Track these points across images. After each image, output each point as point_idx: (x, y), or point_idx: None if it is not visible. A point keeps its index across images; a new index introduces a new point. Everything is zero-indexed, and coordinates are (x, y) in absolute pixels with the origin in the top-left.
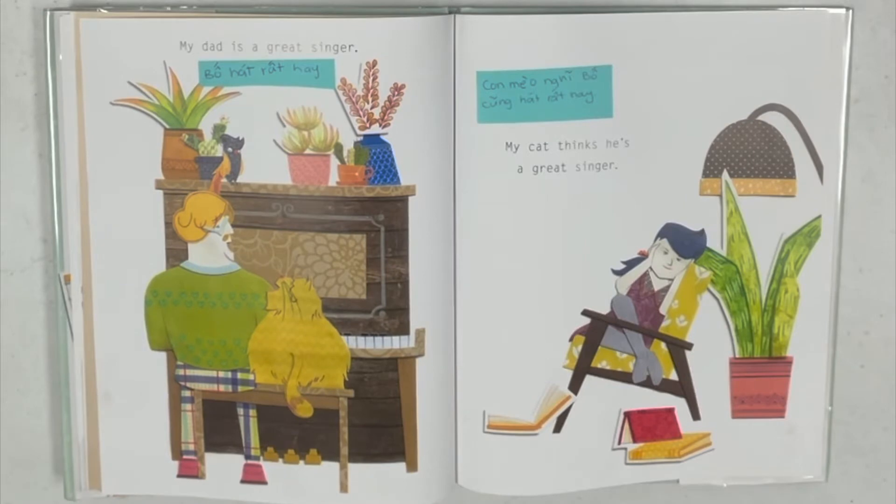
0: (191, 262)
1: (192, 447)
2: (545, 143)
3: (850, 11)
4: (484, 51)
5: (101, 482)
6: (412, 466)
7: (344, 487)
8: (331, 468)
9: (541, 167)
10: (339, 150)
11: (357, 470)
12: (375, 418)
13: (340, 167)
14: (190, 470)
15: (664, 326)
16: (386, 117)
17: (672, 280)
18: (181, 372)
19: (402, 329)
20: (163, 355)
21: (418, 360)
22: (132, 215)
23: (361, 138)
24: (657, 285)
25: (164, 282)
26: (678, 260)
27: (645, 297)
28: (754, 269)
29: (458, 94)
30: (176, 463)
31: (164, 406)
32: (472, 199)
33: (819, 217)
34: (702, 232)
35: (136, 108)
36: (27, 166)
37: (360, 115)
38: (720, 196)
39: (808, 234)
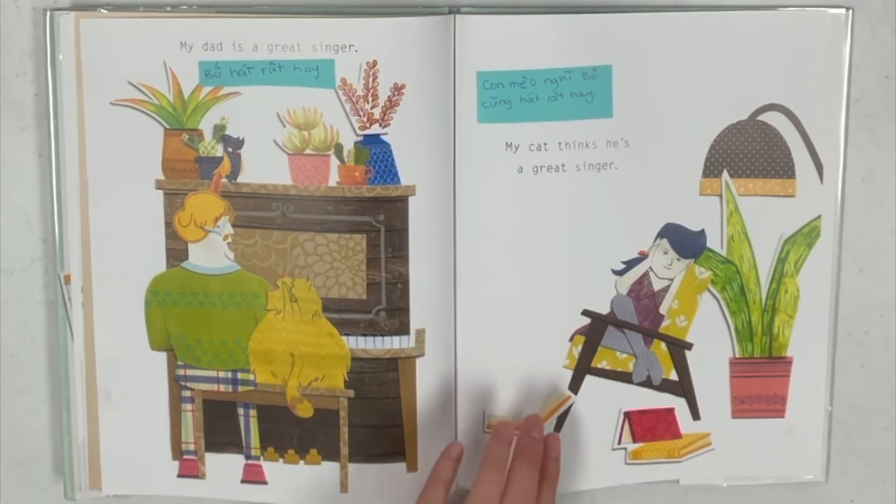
0: (191, 262)
1: (192, 447)
2: (545, 143)
3: (850, 11)
4: (484, 51)
5: (102, 482)
6: (412, 466)
7: (344, 487)
8: (331, 468)
9: (541, 167)
10: (339, 150)
11: (357, 470)
12: (375, 418)
13: (340, 167)
14: (190, 470)
15: (664, 326)
16: (386, 117)
17: (672, 280)
18: (181, 372)
19: (403, 329)
20: (163, 355)
21: (418, 361)
22: (132, 215)
23: (361, 138)
24: (657, 285)
25: (164, 282)
26: (678, 260)
27: (645, 297)
28: (754, 269)
29: (458, 94)
30: (176, 463)
31: (164, 406)
32: (472, 199)
33: (819, 217)
34: (702, 232)
35: (137, 108)
36: (27, 166)
37: (360, 115)
38: (720, 196)
39: (808, 234)
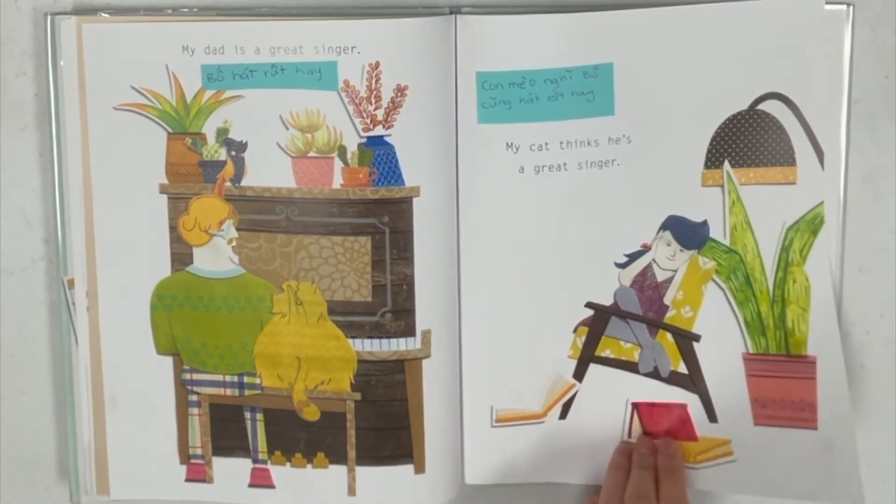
0: (196, 265)
1: (199, 451)
2: (546, 143)
3: (851, 7)
4: (484, 51)
5: (110, 487)
6: (420, 468)
7: (352, 490)
8: (338, 471)
9: (542, 167)
10: (342, 152)
11: (364, 473)
12: (382, 421)
13: (344, 169)
14: (198, 474)
15: (669, 317)
16: (389, 119)
17: (675, 271)
18: (188, 376)
19: (408, 331)
20: (169, 359)
21: (424, 362)
22: (136, 220)
23: (365, 140)
24: (660, 276)
25: (169, 286)
26: (681, 251)
27: (648, 287)
28: (758, 257)
29: (460, 94)
30: (184, 467)
31: (171, 410)
32: (475, 200)
33: (821, 203)
34: (704, 223)
35: (139, 113)
36: (27, 166)
37: (363, 117)
38: (722, 186)
39: (811, 221)
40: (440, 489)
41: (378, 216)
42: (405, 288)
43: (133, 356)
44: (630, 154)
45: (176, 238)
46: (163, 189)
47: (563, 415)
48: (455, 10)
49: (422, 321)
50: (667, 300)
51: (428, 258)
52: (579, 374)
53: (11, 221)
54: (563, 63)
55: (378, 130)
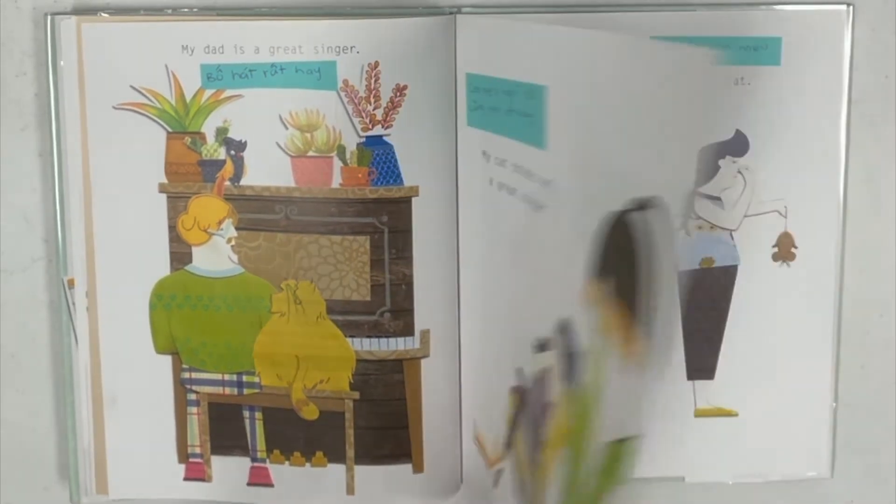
0: (195, 265)
1: (198, 450)
2: (505, 160)
3: (851, 7)
4: (475, 52)
5: (108, 487)
6: (418, 468)
7: (350, 489)
8: (337, 470)
9: (503, 185)
10: (341, 151)
11: (363, 472)
12: (381, 420)
13: (343, 169)
14: (196, 473)
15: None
16: (388, 118)
17: (557, 403)
18: (187, 375)
19: (407, 330)
20: (168, 359)
21: (423, 362)
22: (136, 219)
23: (364, 140)
24: (548, 395)
25: (168, 285)
26: (564, 380)
27: (541, 399)
28: (584, 459)
29: (459, 95)
30: (182, 466)
31: (170, 409)
32: (473, 201)
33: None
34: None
35: (139, 112)
36: (27, 166)
37: (362, 117)
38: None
39: (617, 455)
40: (439, 489)
41: (377, 216)
42: (404, 287)
43: (132, 355)
44: (556, 207)
45: (175, 237)
46: (162, 188)
47: (496, 483)
48: (455, 10)
49: (420, 321)
50: (544, 435)
51: (427, 258)
52: (507, 447)
53: (11, 221)
54: (515, 76)
55: (377, 130)
